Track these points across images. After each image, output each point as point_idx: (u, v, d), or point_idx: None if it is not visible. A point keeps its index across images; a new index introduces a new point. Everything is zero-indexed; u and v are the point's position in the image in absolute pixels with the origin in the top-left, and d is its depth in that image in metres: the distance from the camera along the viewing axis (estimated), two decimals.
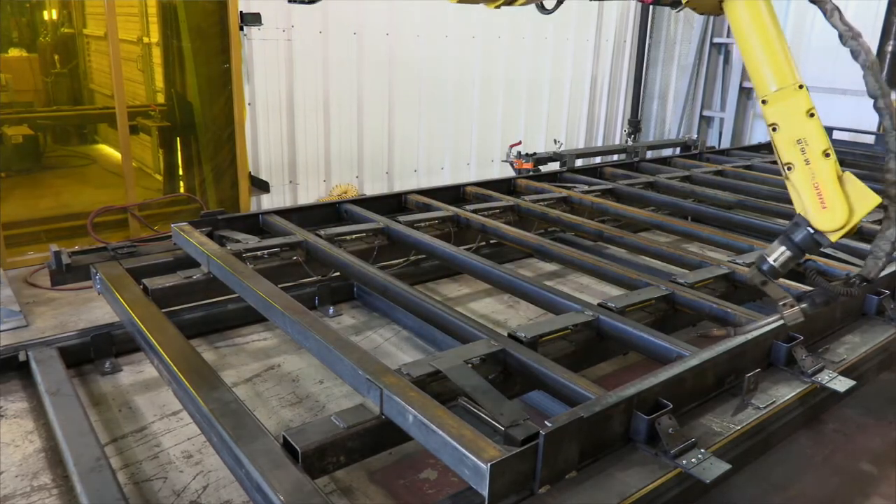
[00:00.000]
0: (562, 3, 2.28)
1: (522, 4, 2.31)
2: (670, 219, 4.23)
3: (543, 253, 3.58)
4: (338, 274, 3.45)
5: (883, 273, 1.95)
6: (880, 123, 1.82)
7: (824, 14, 1.83)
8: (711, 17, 7.26)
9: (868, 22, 6.96)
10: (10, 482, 2.12)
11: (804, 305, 1.88)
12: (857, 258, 2.88)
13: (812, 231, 1.74)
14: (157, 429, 2.45)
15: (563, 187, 4.68)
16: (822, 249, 1.91)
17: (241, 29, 4.86)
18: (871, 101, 1.86)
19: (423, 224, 3.73)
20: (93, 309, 3.46)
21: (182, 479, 2.17)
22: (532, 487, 1.68)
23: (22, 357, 2.72)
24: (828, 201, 1.70)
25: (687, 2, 1.78)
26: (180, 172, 5.41)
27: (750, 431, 2.04)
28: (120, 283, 2.90)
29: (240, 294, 2.81)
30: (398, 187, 6.14)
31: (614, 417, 1.86)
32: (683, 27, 7.83)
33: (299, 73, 5.34)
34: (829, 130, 1.86)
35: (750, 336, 2.20)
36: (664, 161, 5.94)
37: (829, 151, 1.69)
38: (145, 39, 5.37)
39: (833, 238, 1.74)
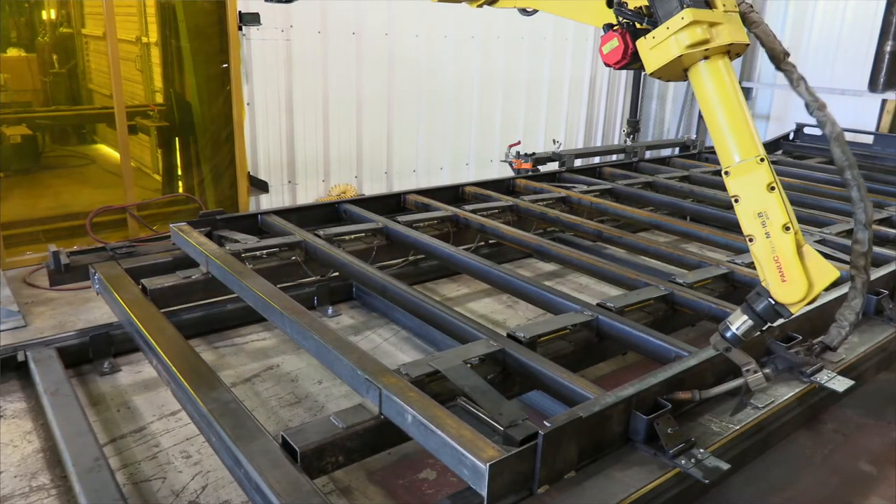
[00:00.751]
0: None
1: (503, 6, 2.33)
2: (669, 219, 4.24)
3: (542, 253, 3.58)
4: (337, 274, 3.45)
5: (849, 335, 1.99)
6: (849, 179, 1.86)
7: (790, 83, 1.89)
8: None
9: (867, 22, 6.97)
10: (8, 482, 2.12)
11: (767, 371, 1.92)
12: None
13: (773, 302, 1.77)
14: (155, 429, 2.45)
15: (562, 187, 4.68)
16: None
17: (240, 29, 4.86)
18: (840, 170, 1.90)
19: (422, 224, 3.73)
20: (91, 309, 3.46)
21: (181, 480, 2.17)
22: (531, 487, 1.69)
23: (20, 357, 2.72)
24: (787, 275, 1.73)
25: (652, 72, 1.80)
26: (179, 172, 5.40)
27: (749, 431, 2.05)
28: (119, 283, 2.90)
29: (239, 294, 2.81)
30: (397, 187, 6.14)
31: (613, 417, 1.86)
32: None
33: (298, 73, 5.34)
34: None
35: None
36: (663, 161, 5.95)
37: (789, 225, 1.73)
38: (144, 39, 5.35)
39: (793, 310, 1.78)
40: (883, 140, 6.58)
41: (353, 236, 3.50)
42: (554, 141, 6.42)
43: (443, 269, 3.92)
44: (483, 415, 1.85)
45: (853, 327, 1.96)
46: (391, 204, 4.21)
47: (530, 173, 5.16)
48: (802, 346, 2.13)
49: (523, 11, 2.41)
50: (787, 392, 2.19)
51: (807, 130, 6.73)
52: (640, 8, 1.82)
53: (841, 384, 2.21)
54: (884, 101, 6.83)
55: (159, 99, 5.41)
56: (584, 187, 4.72)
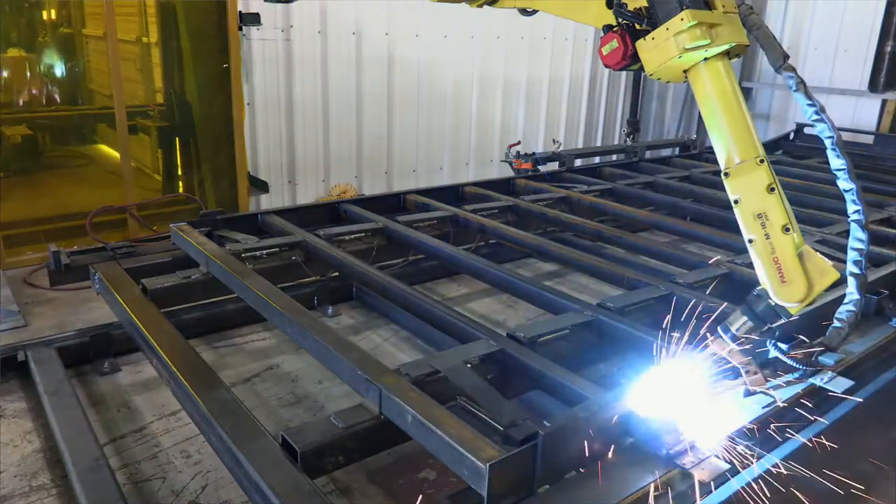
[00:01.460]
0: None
1: (503, 6, 2.33)
2: (669, 219, 4.24)
3: (542, 253, 3.58)
4: (337, 274, 3.45)
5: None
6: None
7: (790, 87, 1.87)
8: None
9: (867, 22, 6.97)
10: (8, 482, 2.12)
11: (767, 372, 1.92)
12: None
13: (773, 303, 1.77)
14: (155, 429, 2.45)
15: (562, 187, 4.68)
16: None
17: (240, 29, 4.86)
18: (836, 176, 1.89)
19: (422, 224, 3.73)
20: (91, 309, 3.46)
21: (181, 479, 2.17)
22: (531, 487, 1.68)
23: (20, 357, 2.71)
24: (787, 276, 1.73)
25: (652, 73, 1.80)
26: (179, 172, 5.40)
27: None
28: (119, 283, 2.90)
29: (239, 294, 2.81)
30: (397, 187, 6.14)
31: (613, 417, 1.86)
32: None
33: (298, 73, 5.34)
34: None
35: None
36: (663, 161, 5.95)
37: (789, 226, 1.73)
38: (144, 39, 5.36)
39: (793, 311, 1.78)
40: (883, 140, 6.59)
41: (353, 236, 3.50)
42: (554, 141, 6.43)
43: (443, 269, 3.92)
44: (483, 415, 1.85)
45: (852, 328, 1.96)
46: (391, 204, 4.21)
47: (530, 173, 5.16)
48: (801, 347, 2.13)
49: (523, 11, 2.42)
50: (787, 392, 2.18)
51: (807, 130, 6.72)
52: (640, 9, 1.82)
53: (840, 384, 2.21)
54: (884, 102, 6.84)
55: (159, 99, 5.41)
56: (585, 187, 4.72)
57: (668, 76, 1.84)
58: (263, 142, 5.32)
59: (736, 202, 1.78)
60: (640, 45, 1.81)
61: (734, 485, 1.84)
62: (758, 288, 1.83)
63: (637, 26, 1.82)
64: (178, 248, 3.28)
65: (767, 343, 1.99)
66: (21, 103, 5.04)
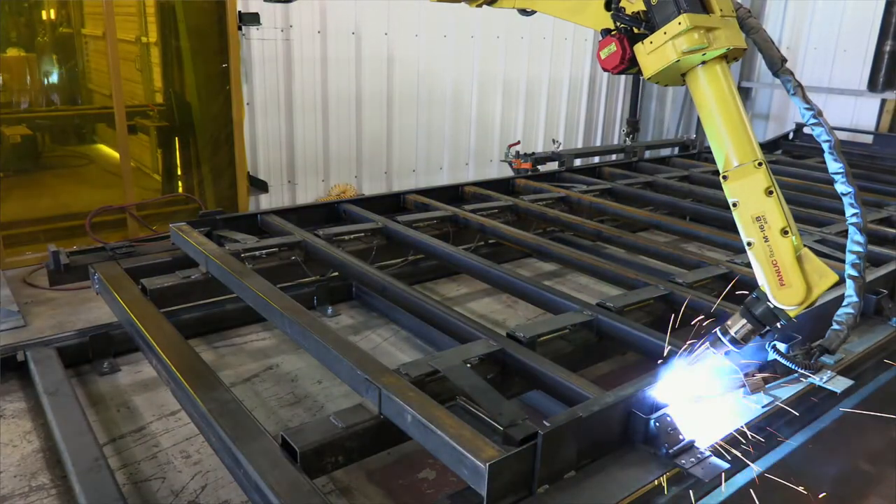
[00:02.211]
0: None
1: (502, 7, 2.34)
2: (669, 218, 4.24)
3: (542, 253, 3.58)
4: (336, 274, 3.45)
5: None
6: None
7: (787, 90, 1.88)
8: None
9: (867, 22, 6.98)
10: (8, 482, 2.12)
11: (766, 375, 1.92)
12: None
13: (772, 306, 1.78)
14: (155, 429, 2.45)
15: (562, 187, 4.68)
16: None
17: (240, 29, 4.86)
18: (834, 179, 1.90)
19: (421, 224, 3.73)
20: (91, 309, 3.46)
21: (180, 479, 2.17)
22: (531, 487, 1.69)
23: (20, 357, 2.71)
24: (786, 279, 1.74)
25: (650, 77, 1.80)
26: (179, 172, 5.40)
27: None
28: (118, 283, 2.90)
29: (238, 294, 2.81)
30: (397, 187, 6.14)
31: (613, 417, 1.86)
32: None
33: (298, 73, 5.34)
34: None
35: None
36: (662, 161, 5.95)
37: (787, 229, 1.73)
38: (144, 39, 5.35)
39: (792, 314, 1.79)
40: (882, 140, 6.59)
41: (352, 236, 3.50)
42: (553, 141, 6.43)
43: (442, 269, 3.92)
44: (483, 415, 1.84)
45: (851, 330, 1.96)
46: (391, 204, 4.21)
47: (530, 173, 5.16)
48: (801, 350, 2.13)
49: (523, 12, 2.42)
50: (786, 392, 2.19)
51: (806, 130, 6.73)
52: (638, 13, 1.82)
53: (839, 384, 2.21)
54: (883, 101, 6.84)
55: (159, 99, 5.41)
56: (584, 187, 4.72)
57: (666, 80, 1.84)
58: (263, 142, 5.32)
59: (734, 205, 1.78)
60: (639, 49, 1.82)
61: (733, 484, 1.85)
62: (757, 290, 1.83)
63: (635, 30, 1.83)
64: (178, 248, 3.28)
65: (766, 346, 2.00)
66: (20, 103, 5.04)
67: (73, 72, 5.39)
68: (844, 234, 3.65)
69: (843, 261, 1.96)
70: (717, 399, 2.08)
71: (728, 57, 1.80)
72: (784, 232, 1.72)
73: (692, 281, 2.95)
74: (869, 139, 6.71)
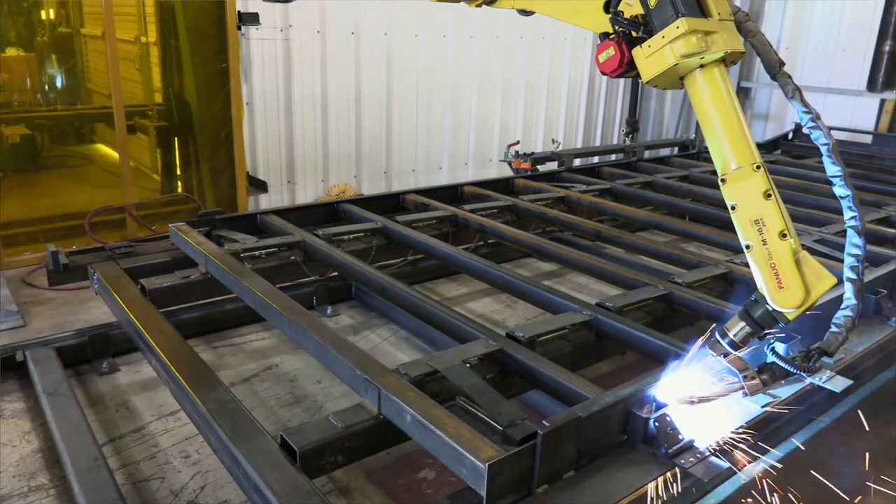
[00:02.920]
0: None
1: (502, 7, 2.34)
2: (668, 218, 4.24)
3: (541, 253, 3.58)
4: (336, 274, 3.45)
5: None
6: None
7: (785, 94, 1.89)
8: None
9: (866, 22, 6.98)
10: (7, 482, 2.12)
11: (765, 377, 1.93)
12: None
13: (770, 308, 1.78)
14: (154, 429, 2.45)
15: (561, 187, 4.68)
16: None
17: (239, 28, 4.85)
18: (832, 182, 1.90)
19: (421, 224, 3.73)
20: (90, 309, 3.45)
21: (180, 479, 2.17)
22: (530, 487, 1.69)
23: (19, 357, 2.71)
24: (784, 282, 1.74)
25: (648, 81, 1.81)
26: (178, 172, 5.39)
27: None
28: (117, 283, 2.90)
29: (237, 294, 2.81)
30: (396, 187, 6.13)
31: (612, 417, 1.86)
32: None
33: (297, 73, 5.34)
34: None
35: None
36: (662, 161, 5.95)
37: (785, 232, 1.74)
38: (143, 39, 5.35)
39: (790, 317, 1.80)
40: (882, 140, 6.60)
41: (352, 236, 3.50)
42: (553, 140, 6.43)
43: (442, 269, 3.92)
44: (482, 414, 1.85)
45: (849, 333, 1.96)
46: (390, 203, 4.21)
47: (529, 173, 5.16)
48: (799, 352, 2.13)
49: (522, 12, 2.43)
50: (786, 392, 2.19)
51: (805, 130, 6.73)
52: (636, 17, 1.82)
53: (839, 384, 2.21)
54: (882, 101, 6.84)
55: (158, 99, 5.40)
56: (583, 187, 4.72)
57: (664, 83, 1.85)
58: (262, 141, 5.32)
59: (733, 208, 1.78)
60: (637, 52, 1.82)
61: (733, 484, 1.85)
62: (755, 293, 1.83)
63: (633, 34, 1.83)
64: (177, 247, 3.28)
65: (765, 348, 2.00)
66: (20, 103, 5.04)
67: (72, 72, 5.39)
68: (843, 233, 3.66)
69: (842, 260, 1.96)
70: (716, 400, 2.07)
71: (726, 60, 1.80)
72: (782, 235, 1.73)
73: (691, 281, 2.95)
74: (868, 139, 6.71)
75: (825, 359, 2.11)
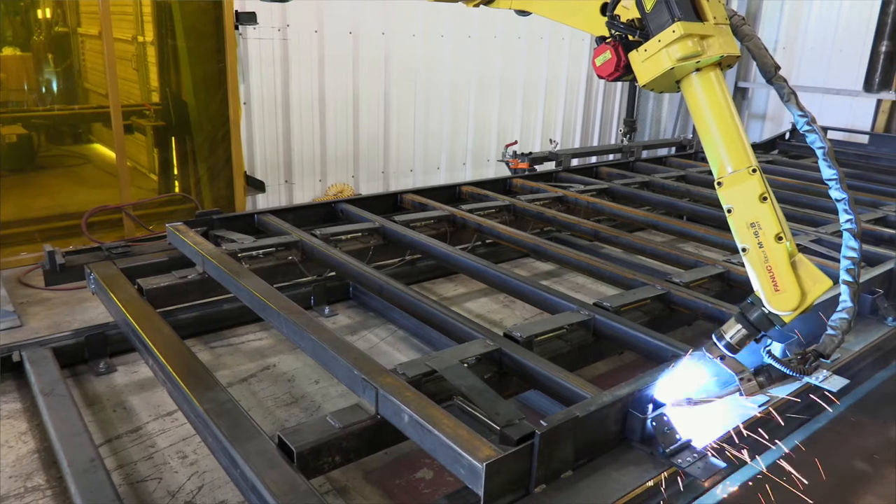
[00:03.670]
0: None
1: (499, 7, 2.34)
2: (666, 218, 4.24)
3: (539, 252, 3.58)
4: (333, 274, 3.45)
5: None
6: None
7: (781, 97, 1.89)
8: None
9: (862, 22, 6.99)
10: (3, 483, 2.11)
11: (761, 379, 1.93)
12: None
13: (766, 311, 1.79)
14: (151, 429, 2.44)
15: (559, 187, 4.68)
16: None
17: (237, 28, 4.85)
18: (828, 185, 1.91)
19: (418, 224, 3.73)
20: (87, 309, 3.45)
21: (177, 480, 2.16)
22: (528, 487, 1.69)
23: (16, 357, 2.71)
24: (780, 284, 1.75)
25: (645, 84, 1.81)
26: (175, 172, 5.39)
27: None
28: (114, 282, 2.89)
29: (235, 294, 2.81)
30: (394, 187, 6.13)
31: (610, 417, 1.86)
32: None
33: (295, 73, 5.34)
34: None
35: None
36: (659, 161, 5.96)
37: (781, 235, 1.74)
38: (140, 38, 5.34)
39: (787, 319, 1.81)
40: (878, 140, 6.61)
41: (349, 236, 3.50)
42: (551, 140, 6.43)
43: (440, 269, 3.92)
44: (480, 414, 1.85)
45: (846, 335, 1.97)
46: (388, 203, 4.21)
47: (527, 173, 5.16)
48: (796, 354, 2.14)
49: (520, 12, 2.43)
50: (783, 392, 2.19)
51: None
52: (633, 21, 1.83)
53: (835, 383, 2.22)
54: (879, 101, 6.85)
55: (155, 98, 5.40)
56: (581, 187, 4.72)
57: (661, 87, 1.85)
58: (260, 141, 5.31)
59: (729, 211, 1.79)
60: (633, 56, 1.83)
61: (730, 484, 1.85)
62: (751, 296, 1.84)
63: (630, 37, 1.84)
64: (174, 247, 3.27)
65: (761, 350, 2.00)
66: (16, 102, 5.03)
67: (69, 71, 5.38)
68: (840, 234, 3.67)
69: (839, 260, 1.96)
70: (714, 401, 2.08)
71: (722, 64, 1.81)
72: (778, 238, 1.73)
73: (689, 280, 2.95)
74: (864, 139, 6.73)
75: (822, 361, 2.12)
